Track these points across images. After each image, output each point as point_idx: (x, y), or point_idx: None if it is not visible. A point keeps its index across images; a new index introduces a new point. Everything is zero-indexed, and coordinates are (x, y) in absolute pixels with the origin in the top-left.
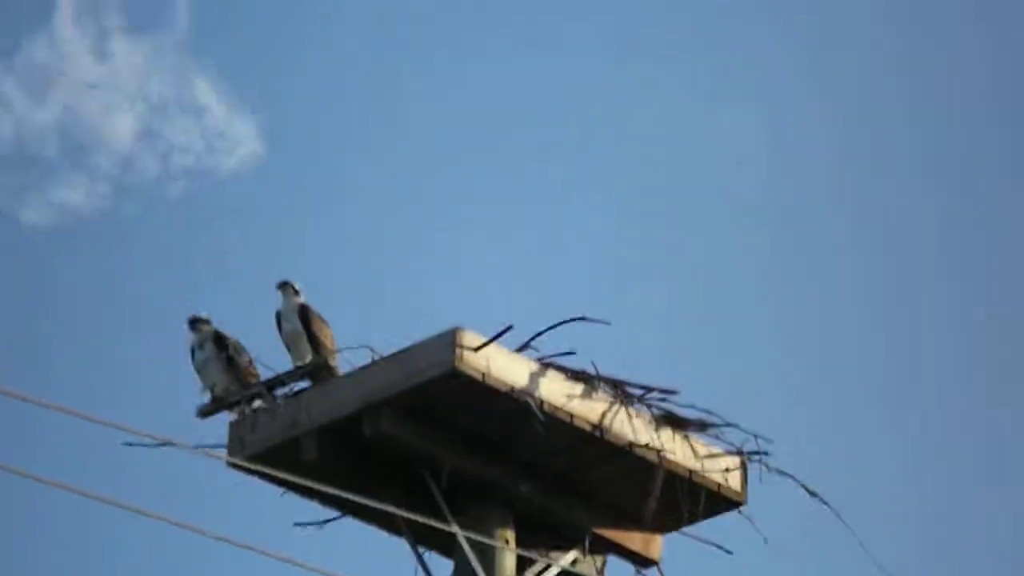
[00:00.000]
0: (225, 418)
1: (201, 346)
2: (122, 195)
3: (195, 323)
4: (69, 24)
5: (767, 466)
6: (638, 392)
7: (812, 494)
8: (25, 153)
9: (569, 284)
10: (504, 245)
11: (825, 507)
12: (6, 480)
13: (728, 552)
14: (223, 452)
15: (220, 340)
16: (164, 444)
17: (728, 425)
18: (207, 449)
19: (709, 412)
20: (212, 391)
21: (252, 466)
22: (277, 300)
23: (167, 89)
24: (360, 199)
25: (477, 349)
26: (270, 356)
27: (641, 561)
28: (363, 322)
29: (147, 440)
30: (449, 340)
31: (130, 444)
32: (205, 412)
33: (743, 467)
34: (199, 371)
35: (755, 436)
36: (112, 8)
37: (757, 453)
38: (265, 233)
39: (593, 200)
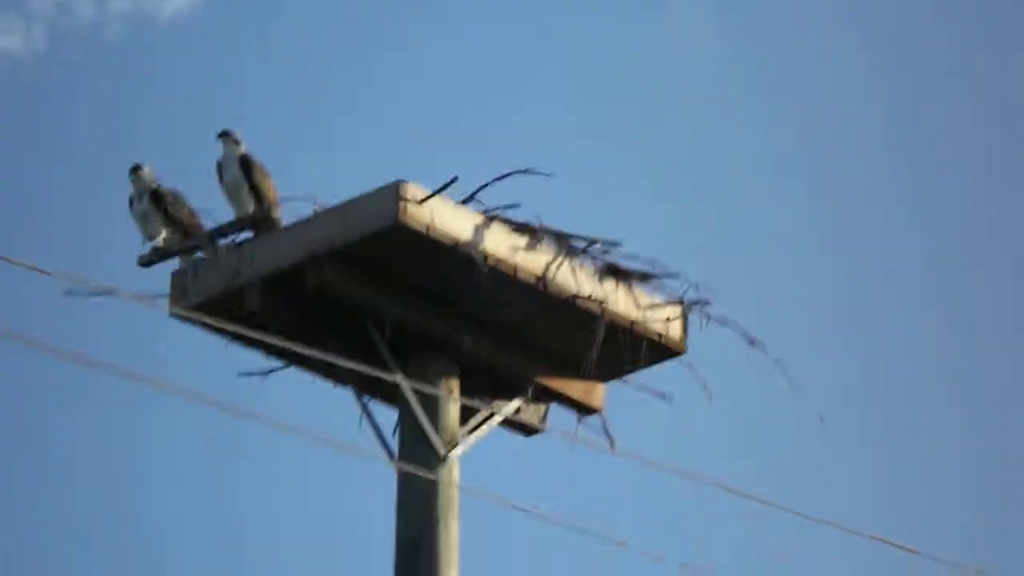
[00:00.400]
0: (167, 269)
1: (140, 197)
2: (59, 40)
3: (133, 172)
4: None
5: (708, 315)
6: (582, 244)
7: (752, 342)
8: None
9: (513, 136)
10: (449, 97)
11: (765, 355)
12: None
13: (668, 400)
14: (165, 302)
15: (156, 196)
16: (105, 293)
17: (670, 275)
18: (148, 297)
19: (652, 263)
20: (152, 241)
21: (195, 315)
22: (218, 150)
23: None
24: (304, 47)
25: (421, 202)
26: (213, 207)
27: (583, 409)
28: (306, 174)
29: (88, 288)
30: (393, 192)
31: (71, 293)
32: (145, 262)
33: (684, 316)
34: (138, 221)
35: (697, 285)
36: None
37: (698, 302)
38: (205, 82)
39: (539, 53)
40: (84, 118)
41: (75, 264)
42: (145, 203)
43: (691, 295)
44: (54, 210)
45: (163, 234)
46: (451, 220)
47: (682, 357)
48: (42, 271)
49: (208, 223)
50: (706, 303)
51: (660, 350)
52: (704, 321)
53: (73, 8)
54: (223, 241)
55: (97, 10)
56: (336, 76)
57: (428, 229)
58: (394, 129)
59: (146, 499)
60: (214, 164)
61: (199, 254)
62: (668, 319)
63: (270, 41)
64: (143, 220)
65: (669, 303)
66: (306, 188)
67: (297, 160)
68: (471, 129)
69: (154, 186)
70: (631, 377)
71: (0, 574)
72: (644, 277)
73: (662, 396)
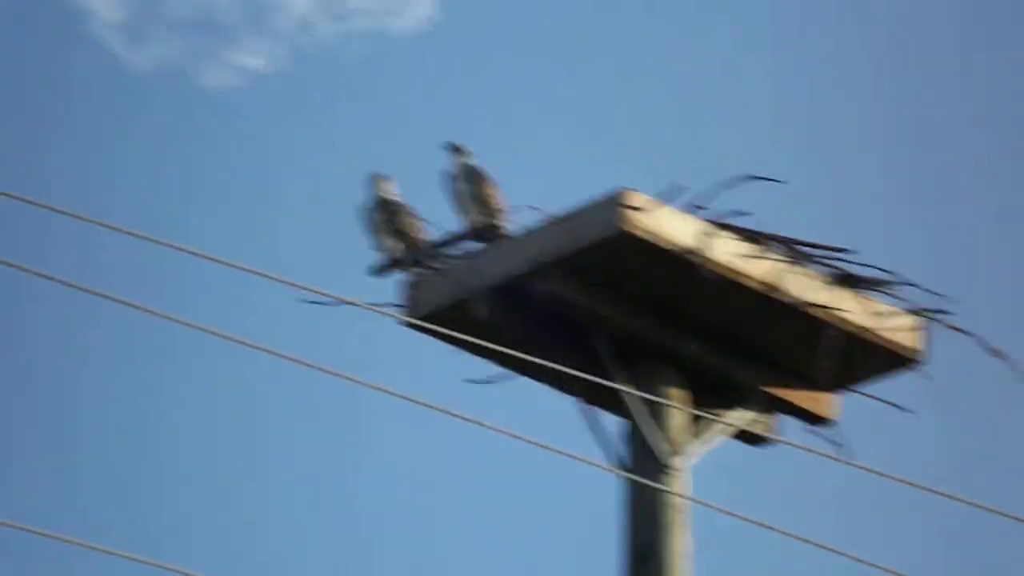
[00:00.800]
0: (397, 279)
1: (375, 204)
2: (300, 58)
3: (374, 179)
4: None
5: (947, 325)
6: (812, 251)
7: (995, 353)
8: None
9: (741, 143)
10: (672, 104)
11: (1008, 366)
12: (186, 333)
13: (906, 411)
14: (397, 311)
15: (386, 205)
16: (341, 302)
17: (906, 283)
18: (381, 308)
19: (886, 271)
20: (383, 252)
21: (425, 324)
22: (446, 162)
23: None
24: (529, 65)
25: (646, 210)
26: (441, 218)
27: (815, 420)
28: (531, 183)
29: (324, 299)
30: (617, 201)
31: (307, 302)
32: (377, 272)
33: (921, 325)
34: (370, 232)
35: (935, 294)
36: None
37: (936, 311)
38: (437, 96)
39: (765, 57)
40: (324, 133)
41: (310, 274)
42: (379, 209)
43: (928, 303)
44: (290, 220)
45: (393, 244)
46: (676, 228)
47: (919, 367)
48: (279, 280)
49: (436, 235)
50: (945, 312)
51: (895, 360)
52: (943, 330)
53: (315, 28)
54: (452, 252)
55: (338, 29)
56: (559, 85)
57: (653, 237)
58: (619, 138)
59: (369, 496)
60: (442, 176)
61: (429, 264)
62: (904, 328)
63: (498, 55)
64: (374, 230)
65: (905, 312)
66: (531, 198)
67: (522, 170)
68: (696, 136)
69: (387, 196)
70: (864, 387)
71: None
72: (878, 285)
73: (898, 407)
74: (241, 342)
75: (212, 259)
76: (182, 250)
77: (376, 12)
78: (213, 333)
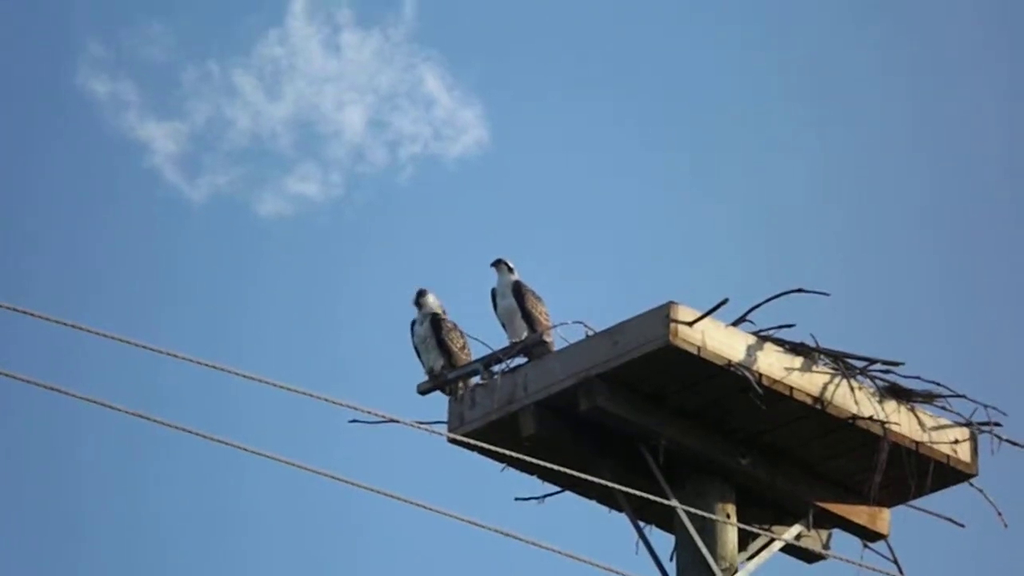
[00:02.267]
0: (444, 397)
1: (421, 323)
2: (353, 185)
3: (419, 297)
4: (301, 20)
5: (999, 437)
6: (860, 364)
7: None
8: (261, 146)
9: (785, 255)
10: (717, 216)
11: None
12: (238, 456)
13: (960, 525)
14: (443, 428)
15: (436, 321)
16: (387, 421)
17: (956, 396)
18: (428, 425)
19: (936, 383)
20: (430, 369)
21: (472, 441)
22: (494, 279)
23: (396, 81)
24: (577, 178)
25: (692, 323)
26: (488, 334)
27: (868, 535)
28: (576, 298)
29: (371, 417)
30: (663, 314)
31: (355, 421)
32: (424, 389)
33: (973, 438)
34: (417, 348)
35: (985, 406)
36: (342, 3)
37: (987, 424)
38: (485, 216)
39: (805, 170)
40: (375, 256)
41: (359, 393)
42: (425, 327)
43: (979, 416)
44: (344, 340)
45: (438, 362)
46: (723, 341)
47: (972, 481)
48: (331, 400)
49: (484, 351)
50: (996, 424)
51: (948, 473)
52: (995, 443)
53: (367, 155)
54: (498, 367)
55: (390, 155)
56: (603, 201)
57: (700, 350)
58: (663, 252)
59: None
60: (490, 293)
61: (476, 380)
62: (956, 441)
63: (543, 173)
64: (422, 345)
65: (956, 425)
66: (577, 313)
67: (568, 285)
68: (741, 249)
69: (437, 311)
70: (918, 502)
71: None
72: (928, 398)
73: (954, 522)
74: (286, 461)
75: (262, 381)
76: (237, 374)
77: (426, 137)
78: (270, 458)
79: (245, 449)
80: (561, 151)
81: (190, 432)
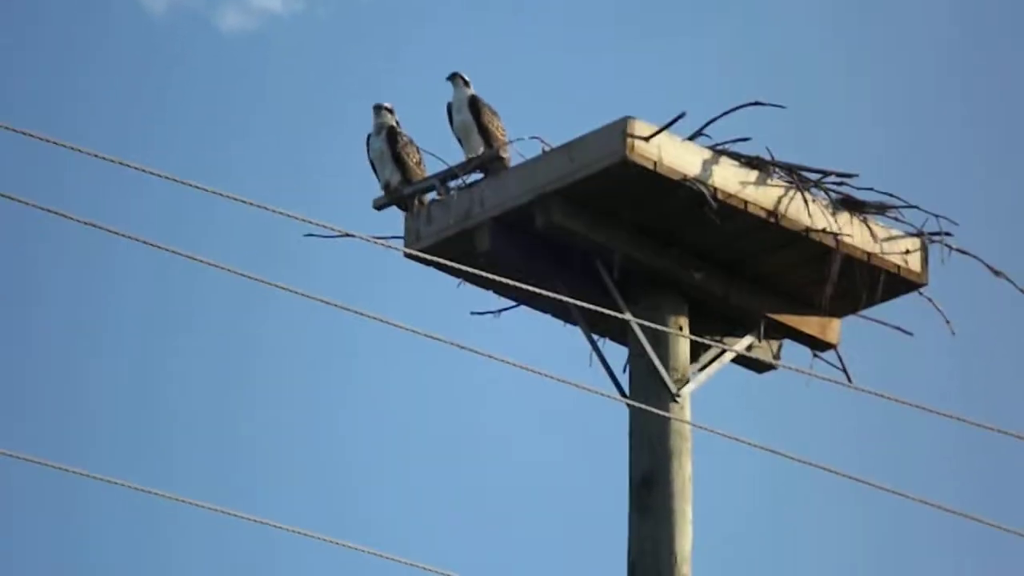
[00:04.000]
0: (400, 212)
1: (378, 133)
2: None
3: (378, 109)
4: None
5: (949, 247)
6: (814, 176)
7: (997, 273)
8: None
9: (741, 70)
10: (671, 30)
11: (1011, 287)
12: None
13: (908, 334)
14: (400, 244)
15: (392, 134)
16: (343, 235)
17: (908, 206)
18: (384, 240)
19: (889, 195)
20: (386, 184)
21: (428, 256)
22: (449, 93)
23: None
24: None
25: (648, 138)
26: (444, 149)
27: (818, 345)
28: (533, 113)
29: (327, 231)
30: (620, 129)
31: (311, 235)
32: (380, 205)
33: (924, 248)
34: (374, 161)
35: (936, 216)
36: None
37: (939, 234)
38: (444, 29)
39: None
40: (337, 71)
41: (315, 208)
42: (382, 140)
43: (931, 226)
44: (305, 156)
45: (394, 177)
46: (679, 156)
47: (922, 290)
48: (285, 214)
49: (440, 167)
50: (947, 234)
51: (898, 283)
52: (945, 253)
53: None
54: (454, 183)
55: None
56: (562, 15)
57: (656, 165)
58: (619, 67)
59: (375, 427)
60: (445, 107)
61: (431, 196)
62: (907, 251)
63: None
64: (378, 159)
65: (907, 235)
66: (533, 128)
67: (525, 100)
68: (696, 63)
69: (392, 124)
70: (868, 312)
71: None
72: (880, 209)
73: (902, 330)
74: (244, 275)
75: (219, 194)
76: (196, 187)
77: None
78: (219, 267)
79: (198, 260)
80: None
81: (148, 244)
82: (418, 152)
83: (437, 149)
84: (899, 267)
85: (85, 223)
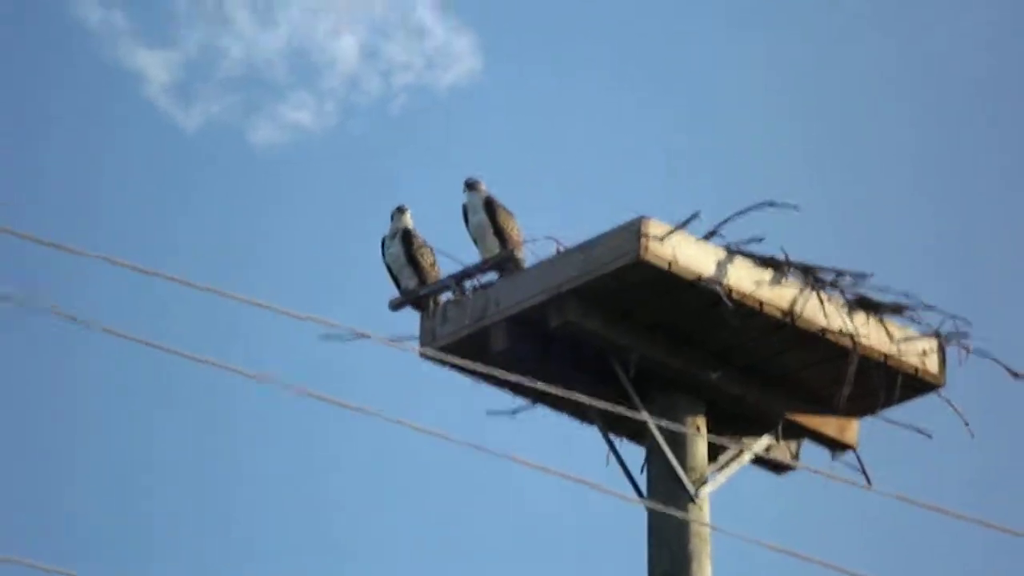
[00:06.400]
0: (415, 313)
1: (393, 237)
2: (348, 115)
3: (396, 212)
4: None
5: (966, 348)
6: (829, 276)
7: (1015, 375)
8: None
9: (754, 171)
10: (685, 133)
11: None
12: (211, 374)
13: (928, 435)
14: (415, 344)
15: (408, 237)
16: (358, 336)
17: (925, 307)
18: (400, 341)
19: (905, 295)
20: (400, 285)
21: (444, 356)
22: (465, 197)
23: (389, 9)
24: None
25: (663, 238)
26: (461, 252)
27: (837, 446)
28: (548, 214)
29: (342, 333)
30: (634, 229)
31: (328, 336)
32: (396, 305)
33: (941, 349)
34: (389, 264)
35: (953, 317)
36: None
37: (956, 334)
38: (467, 140)
39: (772, 82)
40: (367, 183)
41: (330, 309)
42: (397, 242)
43: (948, 327)
44: (328, 262)
45: (412, 280)
46: (694, 255)
47: (940, 391)
48: (300, 316)
49: (454, 269)
50: (964, 335)
51: (916, 384)
52: (963, 354)
53: (361, 84)
54: (469, 283)
55: (384, 84)
56: (576, 116)
57: (670, 265)
58: (633, 167)
59: (397, 532)
60: (461, 210)
61: (447, 296)
62: (924, 352)
63: (532, 97)
64: (394, 261)
65: (924, 336)
66: (548, 228)
67: (539, 202)
68: (712, 163)
69: (406, 227)
70: (886, 413)
71: None
72: (897, 309)
73: (920, 432)
74: (268, 381)
75: (237, 298)
76: (208, 290)
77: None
78: (239, 373)
79: (225, 367)
80: (551, 78)
81: (184, 356)
82: (432, 254)
83: (452, 250)
84: (917, 368)
85: (120, 335)
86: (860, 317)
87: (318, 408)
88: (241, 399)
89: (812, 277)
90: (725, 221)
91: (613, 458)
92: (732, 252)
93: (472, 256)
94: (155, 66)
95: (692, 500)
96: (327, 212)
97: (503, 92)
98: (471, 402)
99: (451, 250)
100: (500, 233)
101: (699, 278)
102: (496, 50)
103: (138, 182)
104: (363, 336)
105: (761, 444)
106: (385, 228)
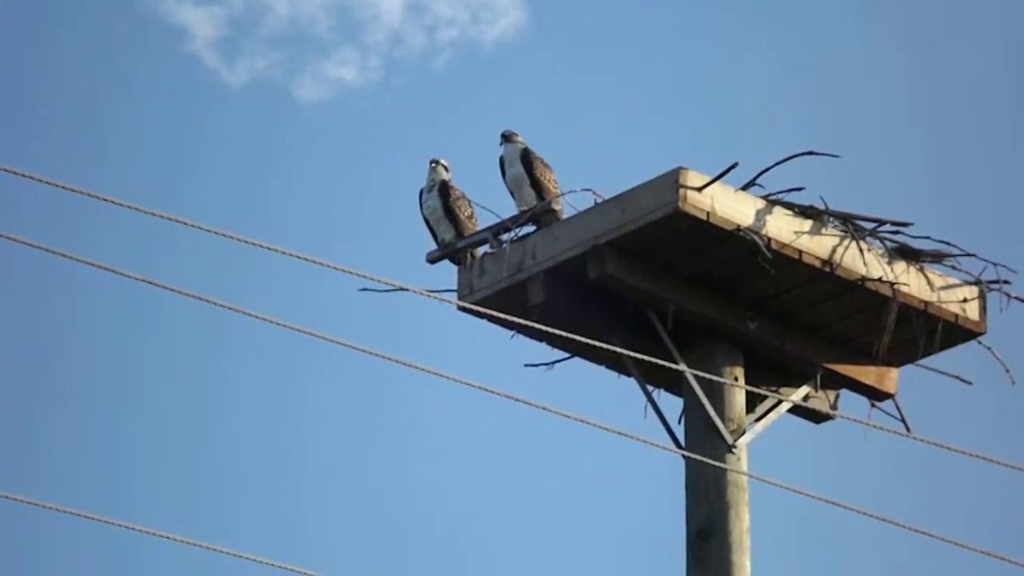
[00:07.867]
0: (453, 266)
1: (430, 189)
2: (392, 69)
3: (432, 164)
4: None
5: (1008, 295)
6: (869, 225)
7: None
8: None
9: (795, 119)
10: (726, 82)
11: None
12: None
13: (967, 383)
14: (453, 297)
15: (445, 189)
16: (397, 289)
17: (966, 255)
18: (437, 293)
19: (945, 243)
20: (441, 240)
21: (481, 309)
22: (501, 149)
23: None
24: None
25: (701, 188)
26: (496, 203)
27: (876, 395)
28: (585, 165)
29: (381, 285)
30: (672, 180)
31: (366, 290)
32: (434, 258)
33: (982, 297)
34: (427, 217)
35: (995, 264)
36: None
37: (997, 282)
38: (524, 98)
39: (817, 32)
40: (411, 139)
41: (369, 263)
42: (434, 195)
43: (989, 274)
44: (369, 218)
45: (450, 232)
46: (732, 206)
47: (980, 339)
48: (340, 269)
49: (492, 221)
50: (1005, 282)
51: (956, 332)
52: (1004, 301)
53: (406, 39)
54: (507, 236)
55: (428, 39)
56: (615, 67)
57: (709, 216)
58: (675, 118)
59: (435, 483)
60: (498, 163)
61: (484, 249)
62: (964, 300)
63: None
64: (432, 214)
65: (965, 284)
66: (585, 180)
67: (577, 153)
68: (753, 112)
69: (446, 179)
70: (926, 361)
71: None
72: (937, 257)
73: (961, 379)
74: (299, 329)
75: (275, 250)
76: (251, 244)
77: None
78: (273, 323)
79: (251, 315)
80: (596, 32)
81: (200, 299)
82: (470, 206)
83: (490, 203)
84: (957, 316)
85: (143, 280)
86: (900, 266)
87: (357, 359)
88: (283, 351)
89: (852, 226)
90: (764, 171)
91: (651, 409)
92: (771, 202)
93: (509, 209)
94: (200, 22)
95: (730, 450)
96: (370, 167)
97: (548, 47)
98: (509, 354)
99: (489, 203)
100: (537, 185)
101: (737, 228)
102: (541, 3)
103: (182, 138)
104: (401, 289)
105: (799, 394)
106: (417, 176)
